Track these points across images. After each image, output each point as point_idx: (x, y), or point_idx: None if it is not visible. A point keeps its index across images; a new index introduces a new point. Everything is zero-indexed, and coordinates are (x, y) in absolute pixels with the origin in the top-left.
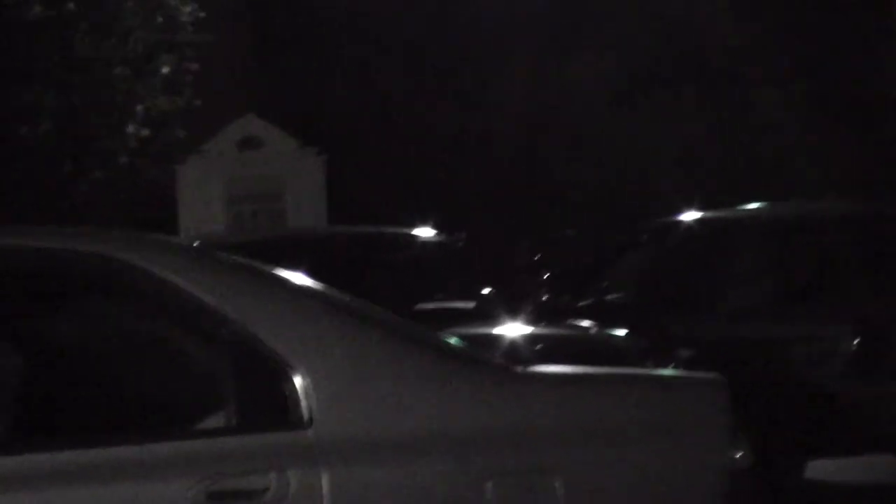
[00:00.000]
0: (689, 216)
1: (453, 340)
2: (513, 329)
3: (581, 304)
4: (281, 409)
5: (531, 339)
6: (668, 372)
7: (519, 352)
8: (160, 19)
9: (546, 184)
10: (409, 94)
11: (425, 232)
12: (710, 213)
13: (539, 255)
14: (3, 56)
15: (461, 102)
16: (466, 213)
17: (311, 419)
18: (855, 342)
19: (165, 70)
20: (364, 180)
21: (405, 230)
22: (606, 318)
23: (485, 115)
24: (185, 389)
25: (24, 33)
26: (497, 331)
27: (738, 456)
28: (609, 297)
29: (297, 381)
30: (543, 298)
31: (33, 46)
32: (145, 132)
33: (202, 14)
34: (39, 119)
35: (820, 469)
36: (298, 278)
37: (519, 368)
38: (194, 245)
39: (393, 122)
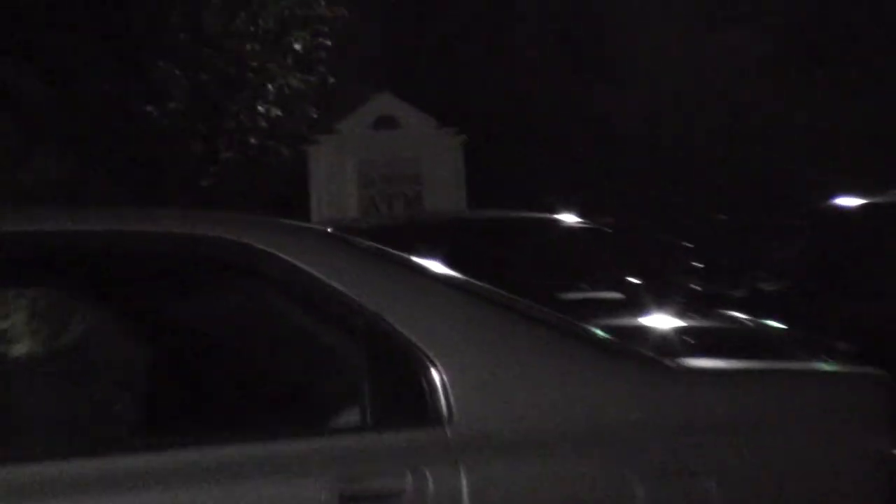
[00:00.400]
0: (850, 201)
1: (600, 332)
2: (663, 321)
3: (735, 293)
4: (418, 405)
5: (682, 331)
6: (827, 366)
7: (670, 345)
8: None
9: (699, 165)
10: (551, 70)
11: (569, 217)
12: (873, 198)
13: (690, 242)
14: (130, 32)
15: (608, 79)
16: (613, 196)
17: (450, 416)
18: None
19: (298, 46)
20: (504, 162)
21: (548, 215)
22: (762, 308)
23: (634, 92)
24: (317, 384)
25: (153, 8)
26: (646, 322)
27: None
28: (764, 286)
29: (436, 374)
30: (695, 288)
31: (161, 22)
32: (276, 112)
33: None
34: (168, 97)
35: None
36: (436, 266)
37: (670, 362)
38: (327, 230)
39: (534, 100)
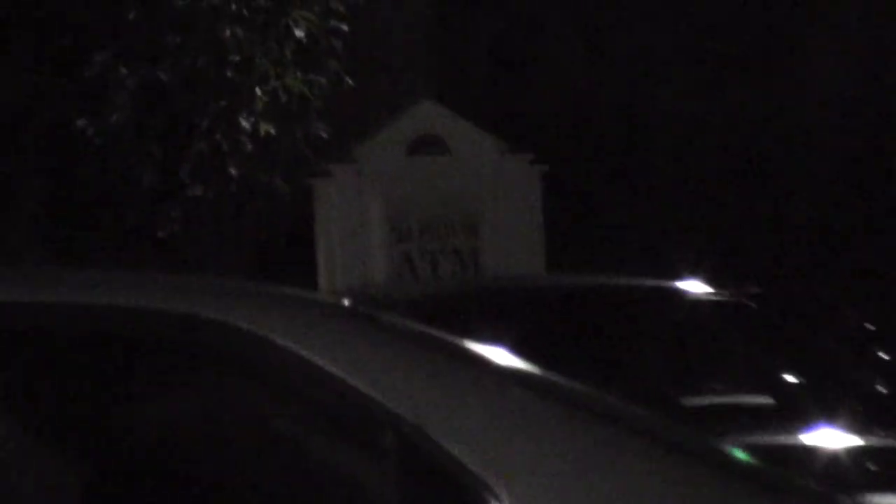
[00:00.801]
0: None
1: (741, 454)
2: (836, 438)
3: None
4: None
5: (865, 453)
6: None
7: (846, 474)
8: None
9: (883, 205)
10: (670, 77)
11: (695, 286)
12: None
13: (874, 323)
14: (53, 9)
15: (752, 91)
16: (758, 255)
17: None
18: None
19: (300, 33)
20: (597, 203)
21: (665, 283)
22: None
23: (783, 106)
24: None
25: None
26: (810, 440)
27: None
28: None
29: None
30: (881, 390)
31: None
32: (268, 128)
33: None
34: (108, 106)
35: None
36: (504, 357)
37: (846, 499)
38: (344, 304)
39: (636, 122)
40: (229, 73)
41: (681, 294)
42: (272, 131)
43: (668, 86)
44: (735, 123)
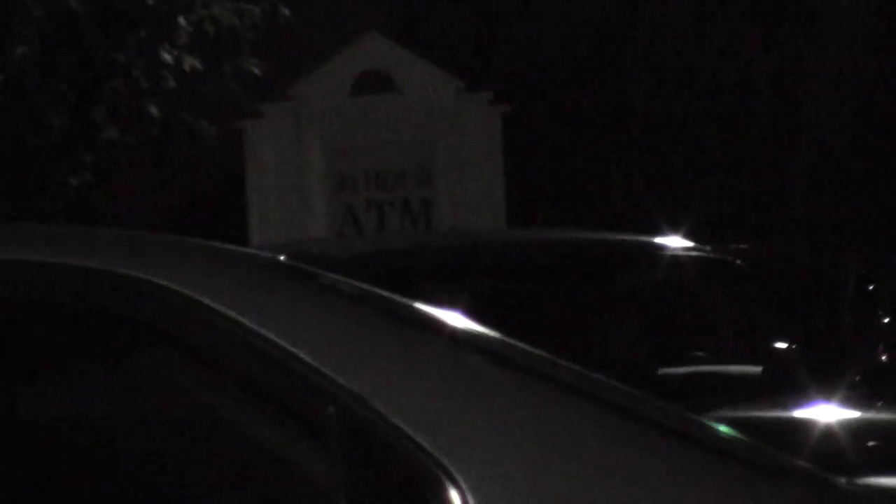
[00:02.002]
0: None
1: (724, 429)
2: (831, 412)
3: None
4: None
5: (861, 428)
6: None
7: (842, 452)
8: None
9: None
10: (640, 12)
11: (675, 241)
12: None
13: (873, 285)
14: None
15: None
16: (748, 209)
17: None
18: None
19: None
20: (566, 151)
21: (641, 238)
22: None
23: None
24: None
25: None
26: (801, 414)
27: None
28: None
29: (455, 498)
30: (881, 358)
31: None
32: (193, 62)
33: None
34: (12, 37)
35: None
36: (460, 323)
37: (842, 481)
38: (280, 260)
39: (612, 58)
40: (149, 1)
41: (658, 250)
42: (198, 66)
43: (650, 18)
44: (725, 62)
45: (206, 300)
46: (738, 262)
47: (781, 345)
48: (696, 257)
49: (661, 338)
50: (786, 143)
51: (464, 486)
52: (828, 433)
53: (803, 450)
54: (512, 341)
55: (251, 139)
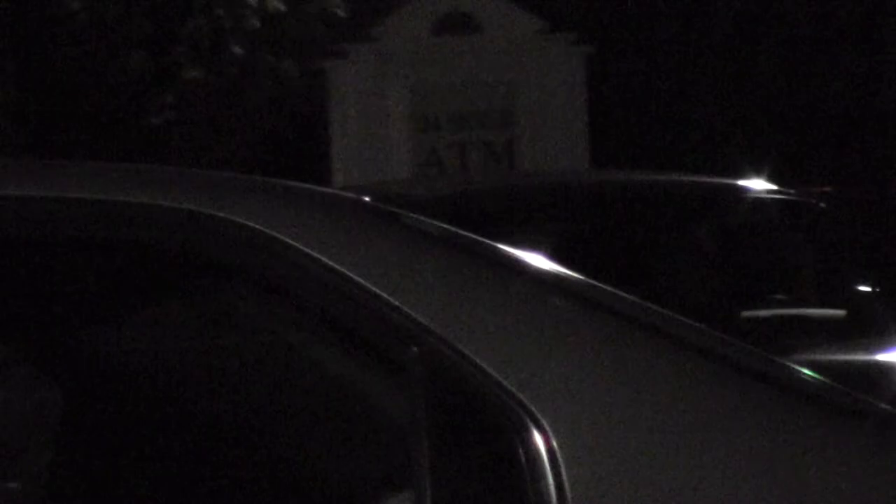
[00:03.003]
0: None
1: (807, 372)
2: None
3: None
4: (511, 492)
5: None
6: None
7: None
8: None
9: None
10: None
11: (757, 184)
12: None
13: None
14: None
15: None
16: (831, 152)
17: None
18: None
19: None
20: (649, 92)
21: (723, 181)
22: None
23: None
24: (342, 457)
25: None
26: (884, 357)
27: None
28: None
29: (540, 441)
30: None
31: None
32: (276, 3)
33: None
34: None
35: None
36: (543, 264)
37: None
38: (364, 201)
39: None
40: None
41: (740, 192)
42: (281, 7)
43: None
44: (802, 13)
45: (288, 239)
46: (822, 204)
47: (864, 288)
48: (779, 199)
49: (744, 280)
50: (871, 81)
51: (548, 428)
52: None
53: (886, 393)
54: (596, 283)
55: (334, 79)
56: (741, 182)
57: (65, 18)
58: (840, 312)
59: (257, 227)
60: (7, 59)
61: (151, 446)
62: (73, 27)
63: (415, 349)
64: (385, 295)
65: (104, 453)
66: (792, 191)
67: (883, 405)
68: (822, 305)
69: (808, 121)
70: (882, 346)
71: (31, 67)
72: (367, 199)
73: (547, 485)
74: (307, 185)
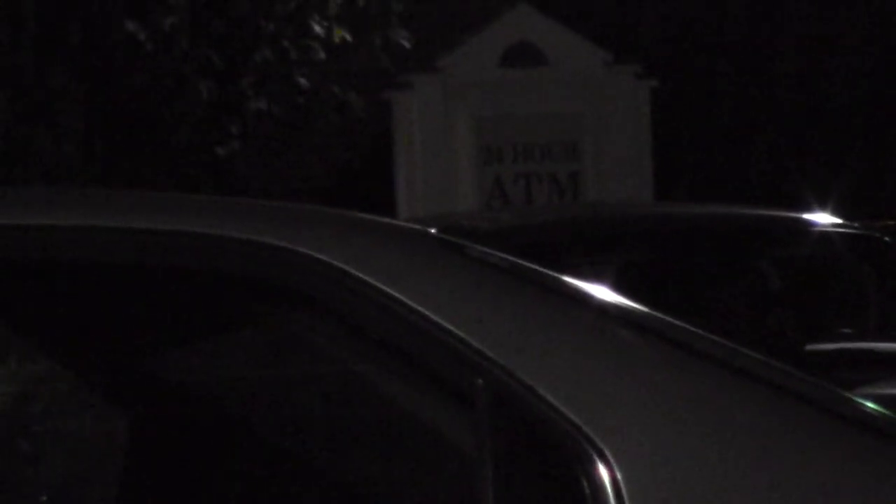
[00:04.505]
0: None
1: (872, 405)
2: None
3: None
4: None
5: None
6: None
7: None
8: None
9: None
10: None
11: (822, 218)
12: None
13: None
14: None
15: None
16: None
17: None
18: None
19: None
20: (713, 125)
21: (789, 214)
22: None
23: None
24: (404, 485)
25: None
26: None
27: None
28: None
29: (604, 472)
30: None
31: None
32: (343, 34)
33: None
34: (161, 8)
35: None
36: (607, 296)
37: None
38: (430, 233)
39: (759, 34)
40: None
41: (806, 226)
42: (347, 38)
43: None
44: (869, 44)
45: (355, 271)
46: (886, 238)
47: None
48: (843, 233)
49: (808, 313)
50: None
51: (612, 459)
52: None
53: None
54: (660, 315)
55: (399, 110)
56: (805, 215)
57: (133, 48)
58: None
59: (325, 258)
60: (74, 87)
61: (218, 475)
62: (141, 57)
63: (480, 381)
64: (451, 326)
65: (170, 483)
66: (856, 224)
67: None
68: (888, 339)
69: (878, 152)
70: None
71: (98, 96)
72: (432, 230)
73: None
74: (374, 217)
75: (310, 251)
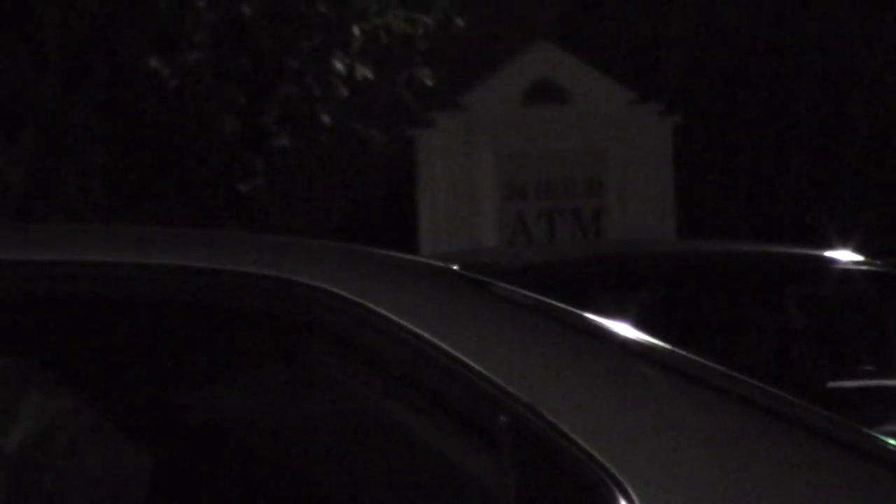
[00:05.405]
0: None
1: (894, 443)
2: None
3: None
4: None
5: None
6: None
7: None
8: None
9: None
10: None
11: (845, 255)
12: None
13: None
14: None
15: None
16: None
17: None
18: None
19: None
20: (737, 162)
21: (812, 252)
22: None
23: None
24: None
25: None
26: None
27: None
28: None
29: None
30: None
31: None
32: (365, 72)
33: None
34: (184, 43)
35: None
36: (630, 333)
37: None
38: (453, 270)
39: (784, 71)
40: (322, 9)
41: (829, 264)
42: (370, 75)
43: (821, 30)
44: (891, 79)
45: (378, 308)
46: None
47: None
48: (866, 271)
49: (830, 351)
50: None
51: (633, 495)
52: None
53: None
54: (682, 352)
55: (422, 147)
56: (827, 253)
57: (157, 84)
58: None
59: (348, 295)
60: (97, 122)
61: None
62: (165, 92)
63: (503, 418)
64: (474, 364)
65: None
66: (878, 262)
67: None
68: None
69: None
70: None
71: (122, 132)
72: (455, 267)
73: None
74: (396, 254)
75: (332, 288)
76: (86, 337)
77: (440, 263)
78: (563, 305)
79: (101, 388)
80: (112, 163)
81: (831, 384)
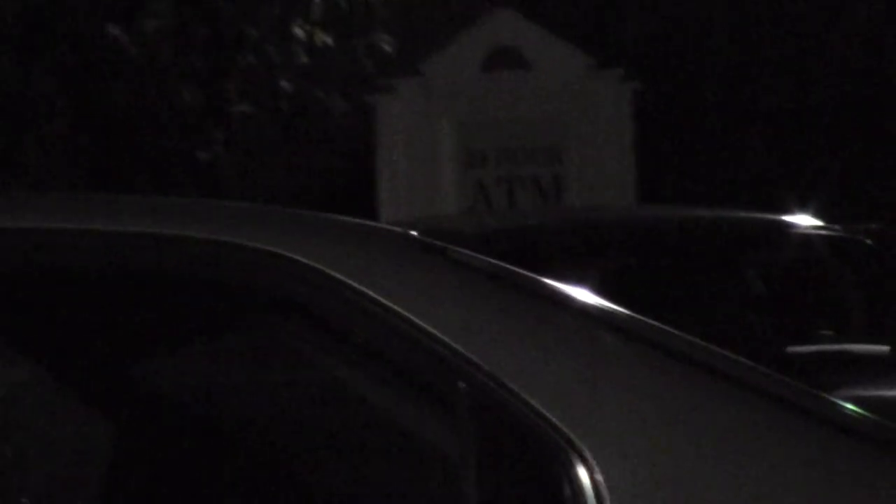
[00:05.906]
0: None
1: (853, 409)
2: None
3: None
4: None
5: None
6: None
7: None
8: None
9: None
10: None
11: (804, 220)
12: None
13: None
14: None
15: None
16: (878, 189)
17: None
18: None
19: None
20: (696, 128)
21: (770, 216)
22: None
23: None
24: (386, 488)
25: None
26: None
27: None
28: None
29: (584, 476)
30: None
31: None
32: (325, 38)
33: None
34: (143, 11)
35: None
36: (590, 299)
37: None
38: (413, 235)
39: (745, 36)
40: None
41: (788, 229)
42: (330, 42)
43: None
44: (854, 47)
45: (336, 274)
46: (868, 241)
47: None
48: (825, 236)
49: (789, 316)
50: None
51: (592, 461)
52: None
53: None
54: (640, 318)
55: (382, 115)
56: (787, 218)
57: (117, 53)
58: (885, 349)
59: (305, 261)
60: (60, 95)
61: (201, 481)
62: (126, 64)
63: (462, 384)
64: (433, 330)
65: (154, 488)
66: (838, 227)
67: None
68: (868, 342)
69: (863, 155)
70: None
71: (84, 104)
72: (414, 233)
73: None
74: (355, 220)
75: (289, 253)
76: (42, 306)
77: (399, 229)
78: (522, 271)
79: (58, 358)
80: (74, 133)
81: (790, 349)
